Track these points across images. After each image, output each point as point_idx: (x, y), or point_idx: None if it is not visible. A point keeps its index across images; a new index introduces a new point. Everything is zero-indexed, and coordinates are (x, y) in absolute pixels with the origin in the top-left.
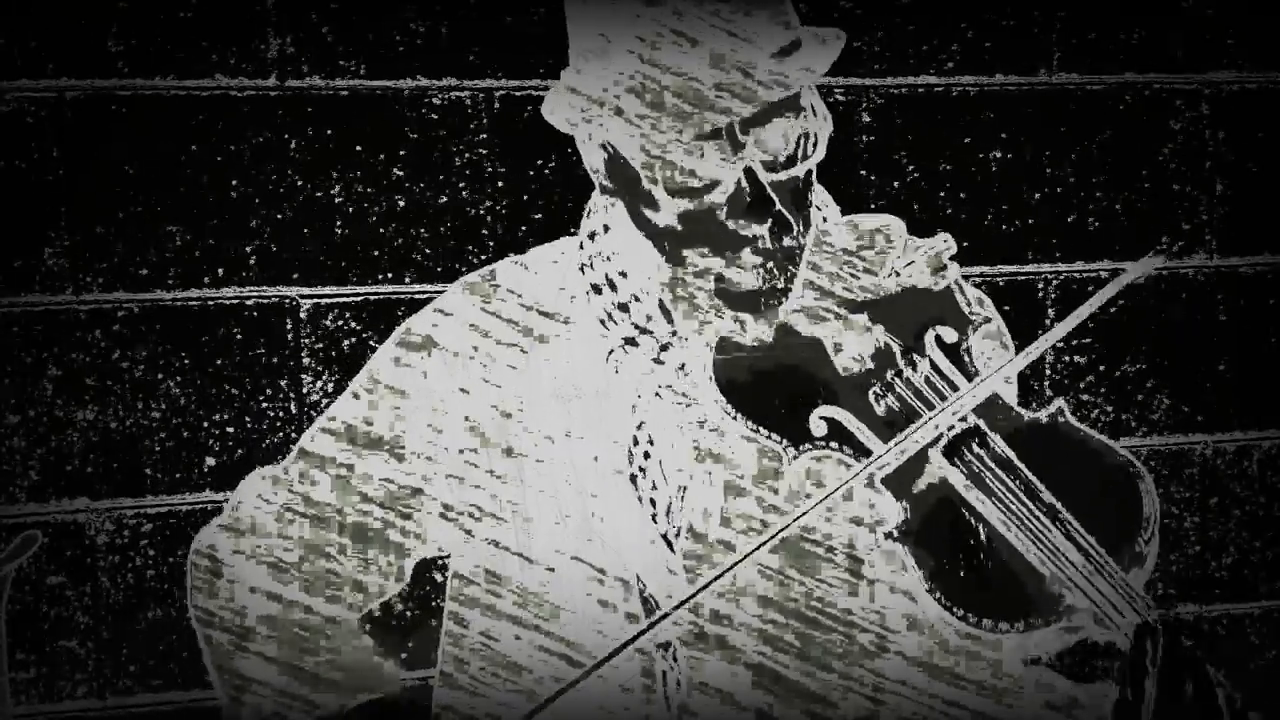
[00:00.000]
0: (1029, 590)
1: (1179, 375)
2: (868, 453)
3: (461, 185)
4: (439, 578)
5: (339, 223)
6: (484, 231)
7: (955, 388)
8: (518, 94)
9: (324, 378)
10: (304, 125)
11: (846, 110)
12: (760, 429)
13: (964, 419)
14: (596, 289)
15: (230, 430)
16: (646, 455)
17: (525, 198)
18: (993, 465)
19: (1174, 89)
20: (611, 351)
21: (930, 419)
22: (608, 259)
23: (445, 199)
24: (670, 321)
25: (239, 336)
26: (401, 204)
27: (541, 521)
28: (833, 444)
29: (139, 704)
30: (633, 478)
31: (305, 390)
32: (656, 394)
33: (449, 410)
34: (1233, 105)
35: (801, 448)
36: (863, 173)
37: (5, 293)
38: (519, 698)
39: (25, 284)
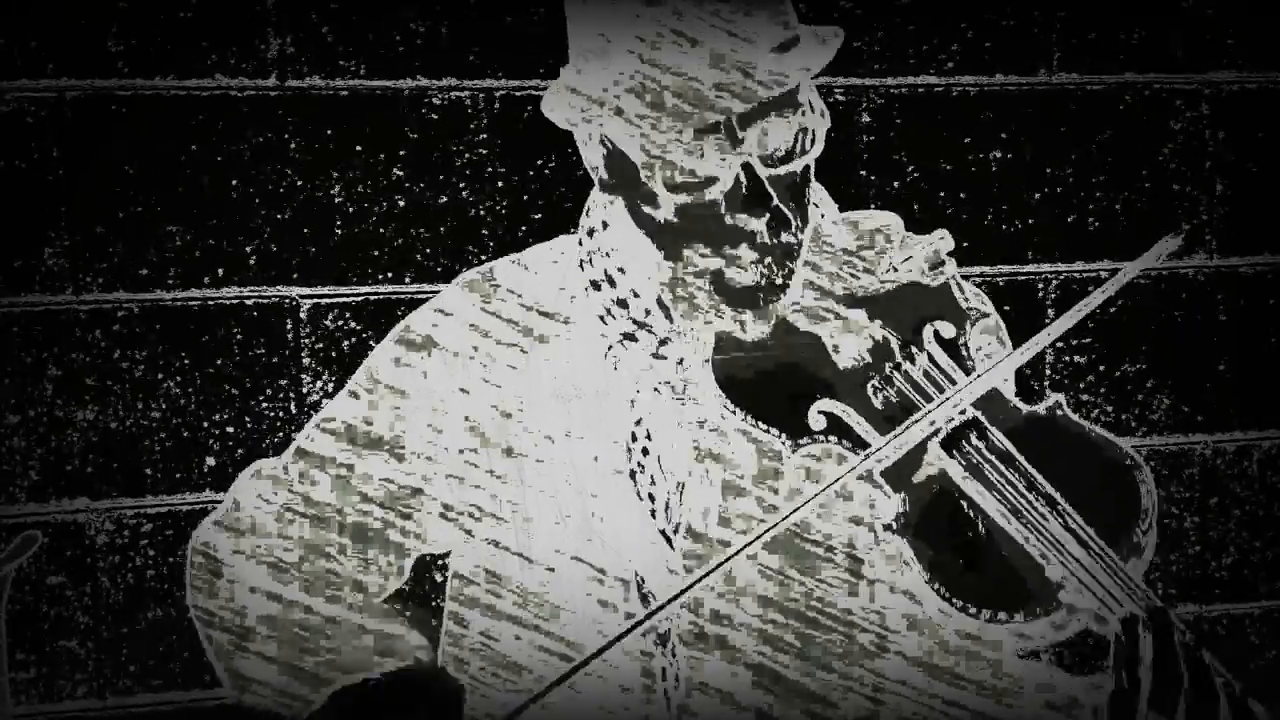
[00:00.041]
0: (1028, 581)
1: (1179, 375)
2: (866, 446)
3: (461, 185)
4: (439, 578)
5: (339, 223)
6: (484, 231)
7: (954, 381)
8: (518, 94)
9: (324, 378)
10: (304, 125)
11: (846, 110)
12: (759, 424)
13: (963, 411)
14: (595, 285)
15: (230, 430)
16: (645, 451)
17: (525, 198)
18: (991, 457)
19: (1174, 89)
20: (610, 348)
21: (928, 412)
22: (606, 255)
23: (445, 199)
24: (669, 318)
25: (239, 336)
26: (401, 204)
27: (541, 521)
28: (831, 438)
29: (139, 704)
30: (631, 474)
31: (305, 390)
32: (655, 390)
33: (449, 410)
34: (1233, 105)
35: (800, 442)
36: (863, 173)
37: (5, 293)
38: (519, 698)
39: (25, 284)
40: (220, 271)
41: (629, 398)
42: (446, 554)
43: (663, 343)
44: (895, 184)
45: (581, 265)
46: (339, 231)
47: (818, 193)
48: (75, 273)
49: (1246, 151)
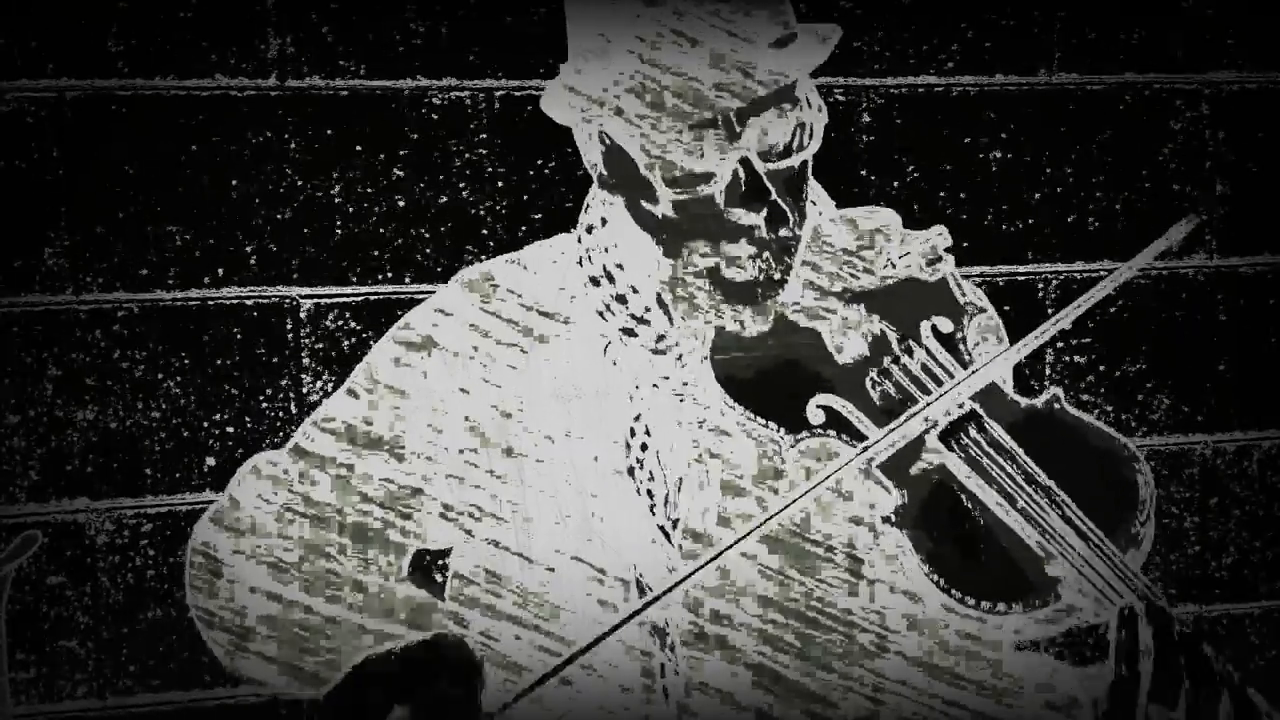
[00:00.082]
0: (1027, 572)
1: (1179, 375)
2: (865, 440)
3: (461, 185)
4: (439, 578)
5: (339, 223)
6: (484, 231)
7: (952, 376)
8: (518, 94)
9: (324, 378)
10: (304, 125)
11: (846, 110)
12: (758, 418)
13: (961, 404)
14: (594, 281)
15: (230, 430)
16: (644, 447)
17: (525, 198)
18: (990, 449)
19: (1174, 89)
20: (609, 344)
21: (927, 404)
22: (605, 251)
23: (445, 199)
24: (668, 315)
25: (239, 336)
26: (401, 204)
27: (541, 521)
28: (830, 432)
29: (139, 704)
30: (630, 470)
31: (305, 390)
32: (654, 385)
33: (449, 410)
34: (1233, 105)
35: (799, 436)
36: (863, 173)
37: (5, 293)
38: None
39: (25, 284)
40: (220, 271)
41: (628, 393)
42: (447, 551)
43: (661, 338)
44: (895, 184)
45: (580, 261)
46: (339, 231)
47: (815, 191)
48: (75, 273)
49: (1246, 151)
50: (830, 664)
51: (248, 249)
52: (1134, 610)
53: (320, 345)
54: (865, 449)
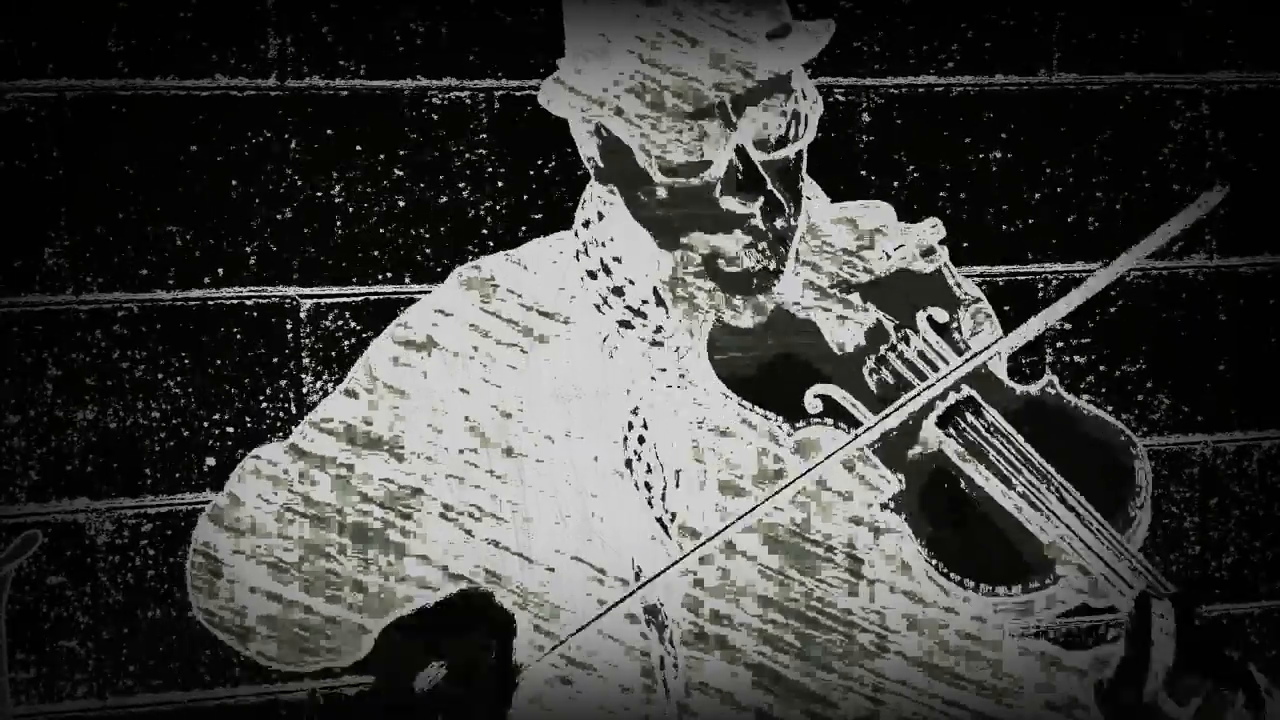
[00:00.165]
0: (1024, 555)
1: (1179, 375)
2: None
3: (461, 185)
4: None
5: (339, 223)
6: (484, 231)
7: (948, 362)
8: (518, 94)
9: (324, 378)
10: (304, 125)
11: (846, 110)
12: (756, 408)
13: (957, 389)
14: (592, 274)
15: (230, 430)
16: (641, 440)
17: (525, 198)
18: (987, 434)
19: (1174, 89)
20: (606, 337)
21: (923, 389)
22: (602, 245)
23: (445, 199)
24: (663, 305)
25: (239, 336)
26: (401, 204)
27: (541, 521)
28: (828, 420)
29: (139, 704)
30: (628, 462)
31: (305, 390)
32: (652, 378)
33: (449, 410)
34: (1233, 105)
35: (797, 425)
36: (863, 173)
37: (5, 293)
38: (519, 698)
39: (25, 284)
40: (220, 271)
41: (625, 386)
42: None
43: (659, 329)
44: (895, 184)
45: (577, 255)
46: (339, 231)
47: (810, 187)
48: (75, 273)
49: (1246, 151)
50: (830, 664)
51: (248, 249)
52: (1146, 594)
53: (320, 345)
54: (866, 431)
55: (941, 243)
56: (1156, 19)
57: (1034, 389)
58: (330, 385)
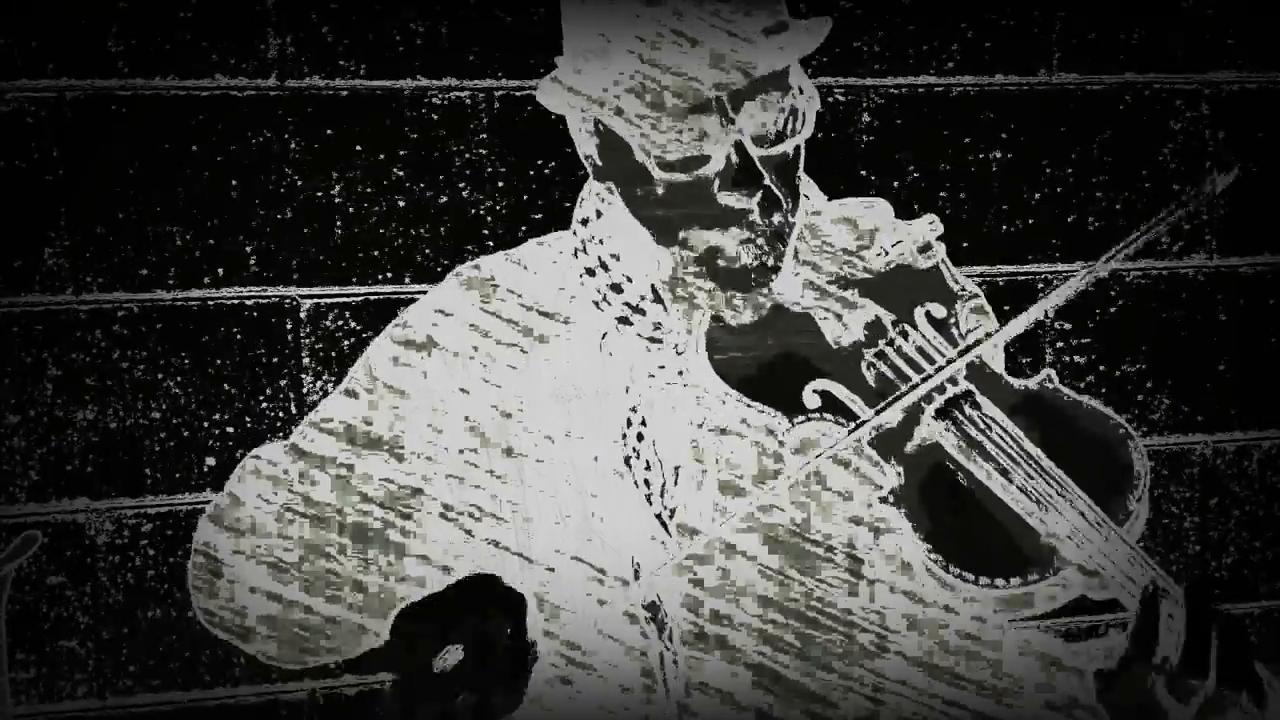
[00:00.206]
0: (1024, 548)
1: (1179, 375)
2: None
3: (461, 185)
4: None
5: (339, 223)
6: (484, 231)
7: (946, 357)
8: (518, 94)
9: (324, 378)
10: (304, 125)
11: (846, 110)
12: (755, 404)
13: (955, 382)
14: (590, 271)
15: (230, 430)
16: (640, 437)
17: (525, 198)
18: (985, 427)
19: (1174, 89)
20: (605, 335)
21: (921, 381)
22: (600, 242)
23: (445, 199)
24: (660, 301)
25: (239, 336)
26: (401, 204)
27: (541, 521)
28: (827, 415)
29: (139, 704)
30: (626, 459)
31: (305, 390)
32: (650, 375)
33: (449, 410)
34: (1233, 105)
35: (796, 420)
36: (863, 173)
37: (5, 293)
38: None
39: (25, 284)
40: (220, 271)
41: (624, 383)
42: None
43: (657, 326)
44: (895, 183)
45: (576, 253)
46: (339, 231)
47: (807, 185)
48: (75, 273)
49: (1246, 151)
50: (830, 664)
51: (248, 249)
52: (1155, 589)
53: (320, 345)
54: (871, 419)
55: (939, 239)
56: (1156, 19)
57: (1032, 383)
58: (330, 385)
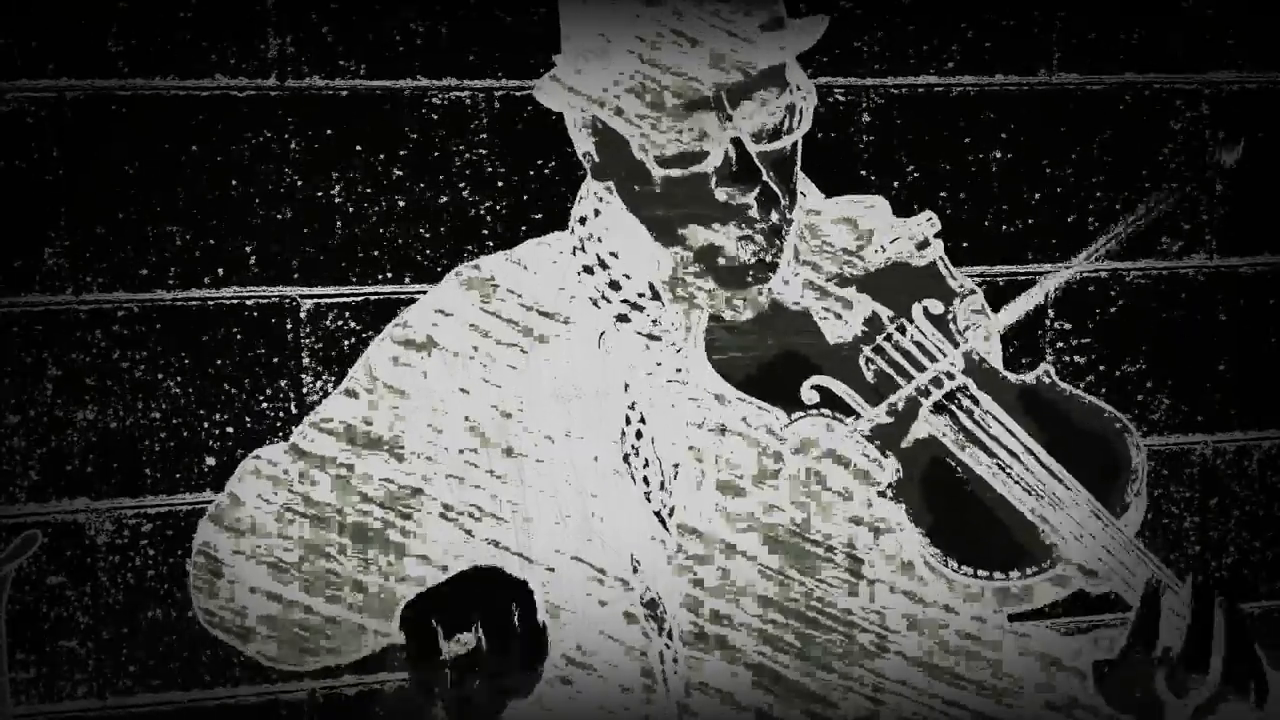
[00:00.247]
0: (1022, 540)
1: (1179, 375)
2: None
3: (461, 185)
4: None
5: (339, 223)
6: (484, 231)
7: (944, 354)
8: (518, 94)
9: (324, 378)
10: (304, 125)
11: (846, 110)
12: (752, 399)
13: (952, 376)
14: (588, 269)
15: (230, 430)
16: (639, 435)
17: (525, 198)
18: (982, 421)
19: (1174, 89)
20: (603, 333)
21: (919, 376)
22: (599, 240)
23: (445, 199)
24: (657, 298)
25: (239, 336)
26: (401, 204)
27: (541, 521)
28: (825, 411)
29: (139, 704)
30: (625, 457)
31: (305, 390)
32: (648, 372)
33: (449, 410)
34: (1233, 105)
35: (794, 416)
36: (863, 173)
37: (5, 293)
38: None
39: (25, 284)
40: (220, 271)
41: (623, 381)
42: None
43: (655, 322)
44: (895, 183)
45: (574, 251)
46: (339, 231)
47: (804, 183)
48: (75, 273)
49: (1246, 151)
50: (830, 664)
51: (248, 249)
52: (1157, 582)
53: (320, 345)
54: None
55: (937, 235)
56: (1156, 19)
57: (1029, 378)
58: (330, 385)
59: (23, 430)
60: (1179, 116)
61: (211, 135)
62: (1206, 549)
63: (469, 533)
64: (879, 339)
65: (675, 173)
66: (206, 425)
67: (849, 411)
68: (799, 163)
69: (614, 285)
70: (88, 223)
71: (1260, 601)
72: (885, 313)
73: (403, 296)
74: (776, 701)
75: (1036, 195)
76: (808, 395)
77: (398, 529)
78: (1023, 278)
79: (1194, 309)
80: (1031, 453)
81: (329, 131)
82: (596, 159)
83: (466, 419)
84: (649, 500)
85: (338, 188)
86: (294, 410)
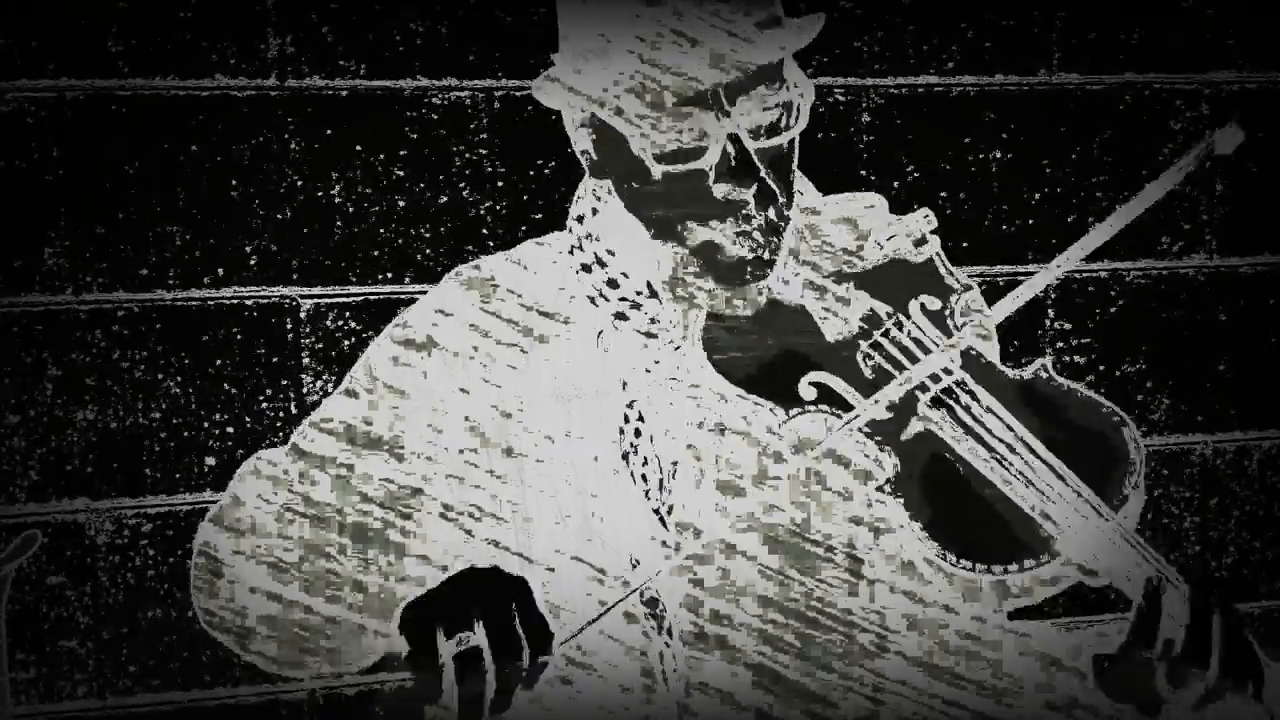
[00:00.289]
0: (1021, 535)
1: (1179, 375)
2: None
3: (461, 185)
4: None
5: (339, 223)
6: (484, 231)
7: (942, 348)
8: (518, 94)
9: (324, 378)
10: (304, 125)
11: (846, 110)
12: (749, 396)
13: (950, 371)
14: (586, 268)
15: (230, 430)
16: (638, 433)
17: (525, 198)
18: (980, 416)
19: (1174, 89)
20: (601, 332)
21: (915, 371)
22: (597, 239)
23: (445, 199)
24: (655, 295)
25: (239, 336)
26: (401, 204)
27: (541, 521)
28: (823, 407)
29: (139, 704)
30: (624, 456)
31: (305, 390)
32: (646, 370)
33: (449, 410)
34: (1233, 105)
35: (791, 412)
36: (863, 173)
37: (5, 293)
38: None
39: (25, 284)
40: (220, 271)
41: (622, 380)
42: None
43: (654, 321)
44: (895, 183)
45: (572, 250)
46: (339, 231)
47: (801, 181)
48: (75, 273)
49: (1246, 151)
50: (830, 664)
51: (248, 249)
52: (1158, 580)
53: (320, 345)
54: (862, 412)
55: (934, 232)
56: (1156, 19)
57: (1027, 373)
58: (330, 385)
59: (23, 430)
60: (1179, 116)
61: (211, 135)
62: (1206, 549)
63: (469, 533)
64: (877, 335)
65: (674, 169)
66: (206, 425)
67: (848, 408)
68: (796, 160)
69: (612, 283)
70: (88, 223)
71: (1260, 601)
72: (883, 309)
73: (403, 296)
74: (776, 701)
75: (1036, 195)
76: (805, 391)
77: (398, 529)
78: (1023, 278)
79: (1194, 309)
80: (1029, 447)
81: (329, 131)
82: (595, 157)
83: (466, 419)
84: (648, 498)
85: (338, 188)
86: (294, 410)
